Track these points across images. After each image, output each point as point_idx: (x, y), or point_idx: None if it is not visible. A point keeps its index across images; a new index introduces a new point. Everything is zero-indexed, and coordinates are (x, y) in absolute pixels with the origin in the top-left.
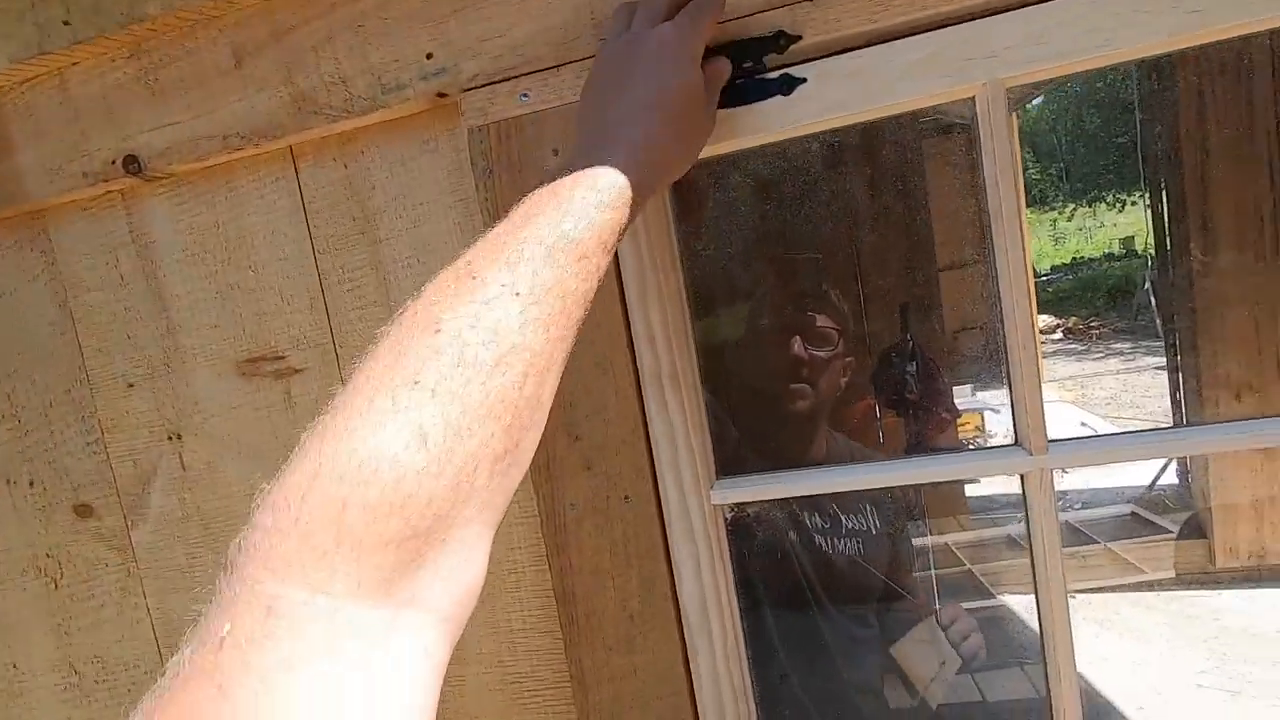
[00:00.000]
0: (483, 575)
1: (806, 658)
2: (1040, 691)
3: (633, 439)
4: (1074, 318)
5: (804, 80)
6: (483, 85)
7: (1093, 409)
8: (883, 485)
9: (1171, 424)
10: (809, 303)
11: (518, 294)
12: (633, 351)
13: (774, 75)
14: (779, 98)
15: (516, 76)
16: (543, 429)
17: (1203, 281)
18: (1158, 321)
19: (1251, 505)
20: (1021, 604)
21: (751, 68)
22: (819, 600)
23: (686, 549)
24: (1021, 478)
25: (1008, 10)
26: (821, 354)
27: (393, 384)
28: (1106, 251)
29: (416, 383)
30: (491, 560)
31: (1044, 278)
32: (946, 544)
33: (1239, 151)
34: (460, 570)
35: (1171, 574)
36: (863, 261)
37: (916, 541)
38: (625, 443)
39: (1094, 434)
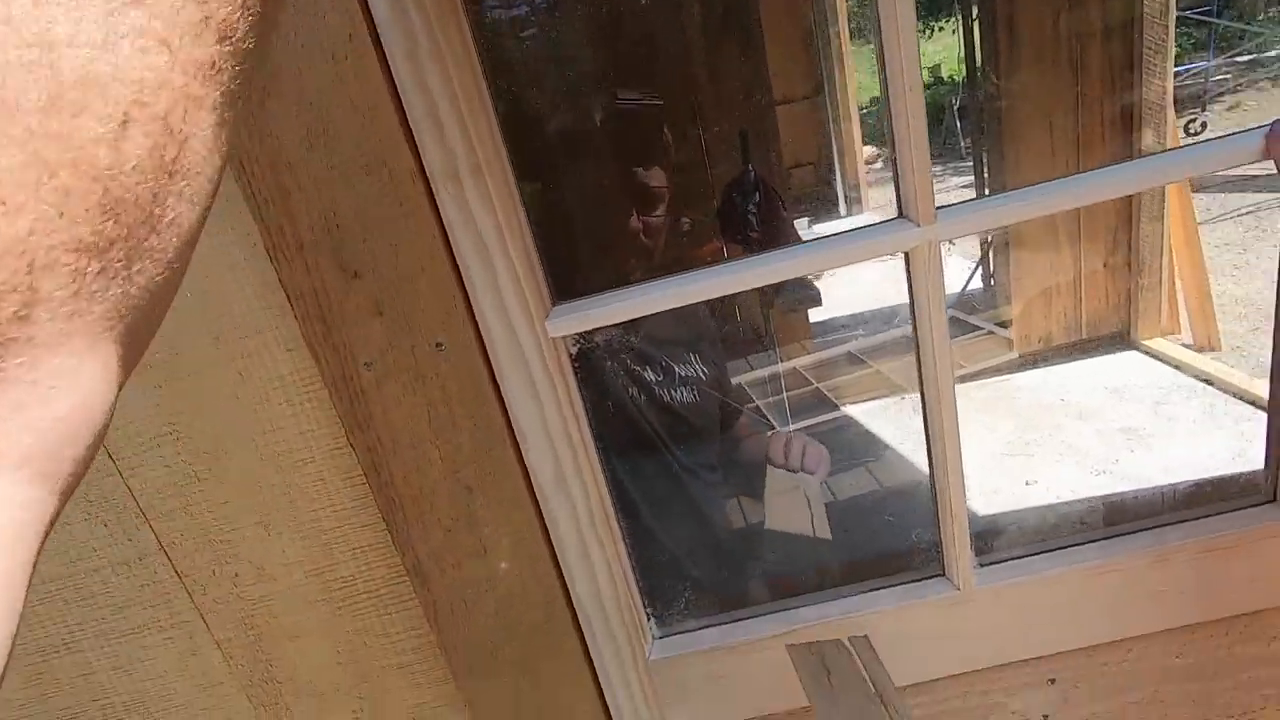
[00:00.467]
0: (97, 401)
1: (668, 511)
2: (882, 484)
3: (433, 264)
4: (890, 147)
5: None
6: None
7: None
8: (771, 280)
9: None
10: (641, 155)
11: None
12: (414, 144)
13: None
14: None
15: None
16: (200, 201)
17: (1005, 100)
18: (963, 143)
19: (1042, 297)
20: (860, 411)
21: None
22: (670, 451)
23: (525, 398)
24: (906, 256)
25: None
26: (655, 219)
27: None
28: None
29: None
30: (282, 450)
31: (865, 110)
32: (795, 368)
33: None
34: (40, 404)
35: (983, 365)
36: (700, 97)
37: (768, 370)
38: (424, 271)
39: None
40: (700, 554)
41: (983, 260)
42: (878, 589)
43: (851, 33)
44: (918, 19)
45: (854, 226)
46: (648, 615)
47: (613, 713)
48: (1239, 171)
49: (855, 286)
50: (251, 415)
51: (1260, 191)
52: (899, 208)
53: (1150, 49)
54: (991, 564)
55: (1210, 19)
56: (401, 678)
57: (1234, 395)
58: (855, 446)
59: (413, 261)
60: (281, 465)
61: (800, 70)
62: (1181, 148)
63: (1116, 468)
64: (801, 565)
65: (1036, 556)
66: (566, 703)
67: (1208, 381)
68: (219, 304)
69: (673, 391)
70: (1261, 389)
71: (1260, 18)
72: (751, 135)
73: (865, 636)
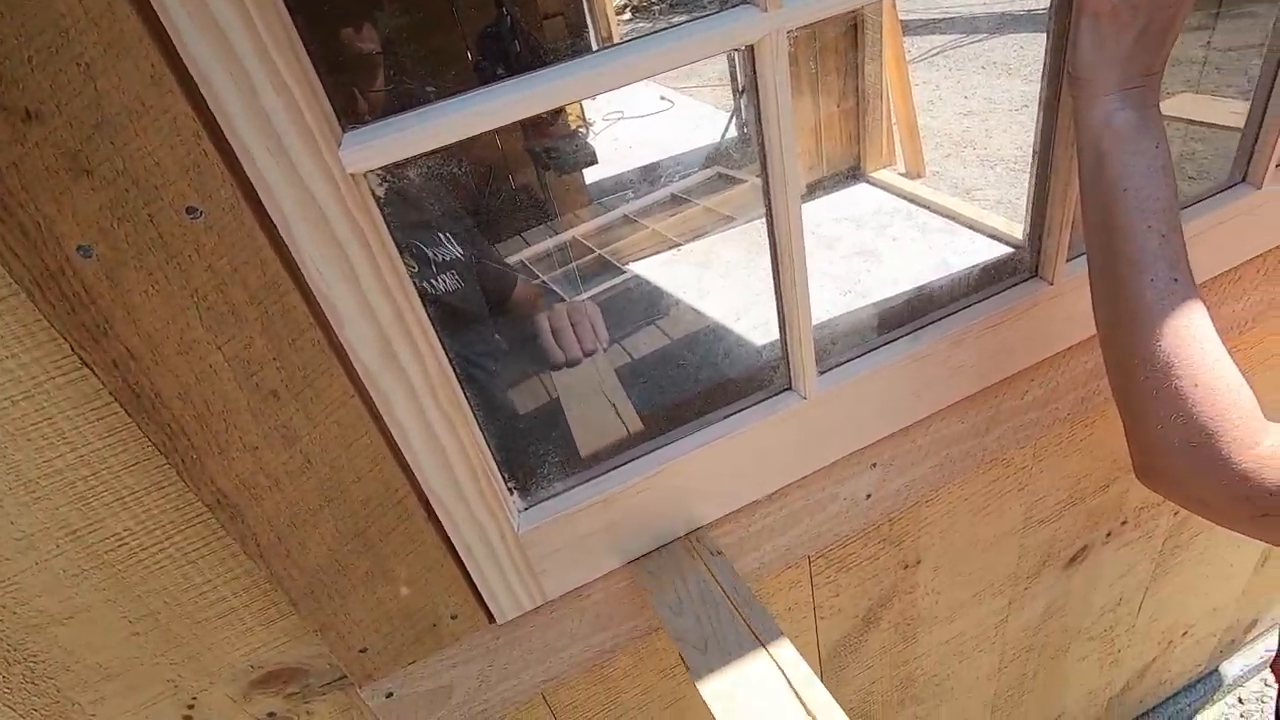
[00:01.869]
0: None
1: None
2: (673, 337)
3: (158, 91)
4: None
5: None
6: None
7: (668, 82)
8: (601, 89)
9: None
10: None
11: None
12: None
13: None
14: None
15: None
16: None
17: None
18: None
19: (810, 132)
20: (644, 267)
21: None
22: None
23: (329, 261)
24: (751, 50)
25: None
26: (375, 93)
27: None
28: None
29: None
30: None
31: None
32: (575, 237)
33: None
34: None
35: (752, 212)
36: None
37: (551, 241)
38: (145, 102)
39: (671, 104)
40: (538, 430)
41: (736, 110)
42: (735, 412)
43: None
44: None
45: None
46: (509, 489)
47: (485, 596)
48: (930, 15)
49: (622, 145)
50: None
51: (945, 34)
52: None
53: None
54: (828, 370)
55: None
56: (226, 627)
57: (939, 214)
58: (648, 302)
59: (125, 90)
60: None
61: None
62: None
63: (858, 287)
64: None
65: (863, 357)
66: (434, 598)
67: (921, 205)
68: None
69: (435, 282)
70: (957, 205)
71: None
72: None
73: (700, 530)
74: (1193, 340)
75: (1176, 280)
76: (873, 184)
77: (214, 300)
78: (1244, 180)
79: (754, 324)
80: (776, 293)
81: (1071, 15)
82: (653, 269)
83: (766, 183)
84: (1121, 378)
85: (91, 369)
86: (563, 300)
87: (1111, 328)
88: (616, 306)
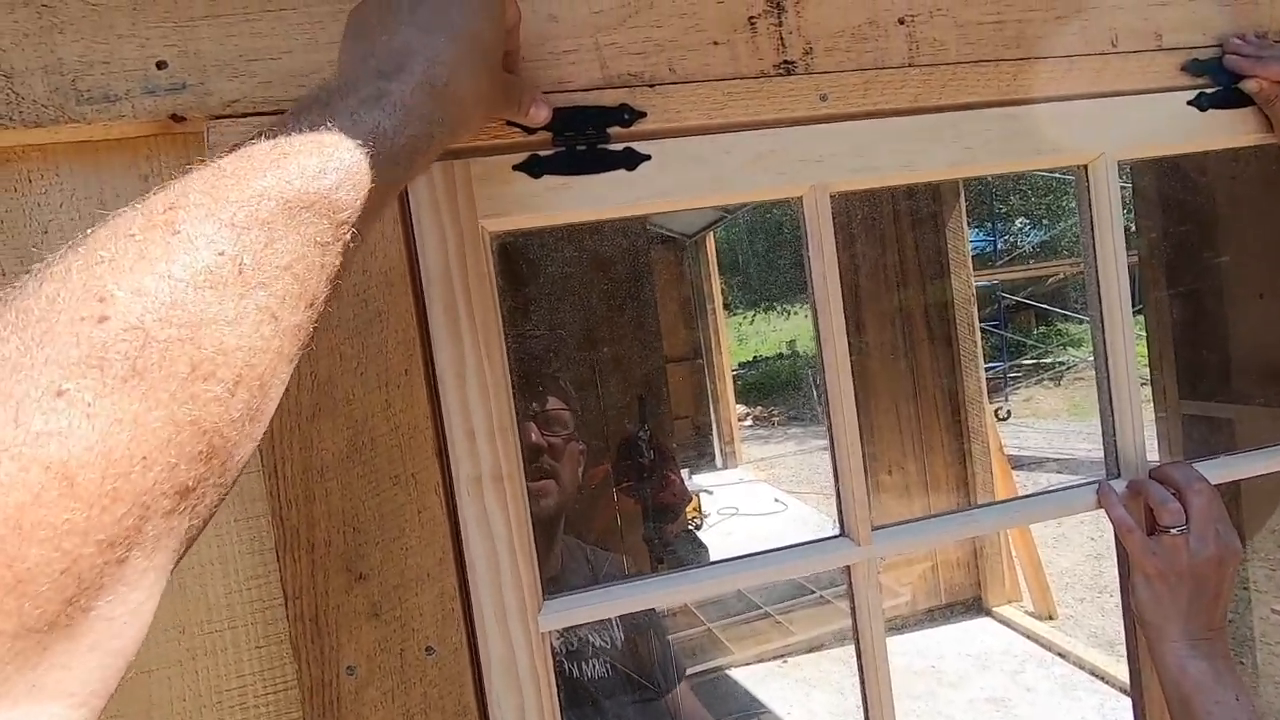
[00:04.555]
0: (146, 628)
1: None
2: None
3: (439, 571)
4: (759, 407)
5: (648, 157)
6: (245, 115)
7: (781, 485)
8: (715, 592)
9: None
10: (542, 388)
11: (241, 268)
12: (443, 456)
13: (618, 148)
14: (622, 171)
15: None
16: (259, 439)
17: (855, 378)
18: (820, 410)
19: (905, 561)
20: (744, 676)
21: (594, 135)
22: None
23: (510, 697)
24: (848, 569)
25: (832, 121)
26: (558, 438)
27: (21, 392)
28: (778, 351)
29: (61, 393)
30: None
31: (734, 372)
32: (685, 605)
33: (876, 275)
34: (112, 639)
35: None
36: (600, 355)
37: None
38: (430, 576)
39: (785, 506)
40: None
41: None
42: None
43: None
44: (773, 302)
45: (730, 481)
46: None
47: None
48: (1044, 454)
49: (731, 538)
50: (198, 718)
51: (1061, 473)
52: (840, 527)
53: (965, 353)
54: None
55: (999, 330)
56: None
57: (1076, 665)
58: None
59: (422, 566)
60: None
61: (684, 336)
62: (1025, 497)
63: None
64: None
65: None
66: None
67: (1056, 652)
68: (195, 596)
69: (583, 665)
70: (1096, 658)
71: (1035, 333)
72: (648, 394)
73: None
74: None
75: None
76: (998, 620)
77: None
78: None
79: None
80: None
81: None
82: (755, 681)
83: (861, 675)
84: None
85: None
86: None
87: None
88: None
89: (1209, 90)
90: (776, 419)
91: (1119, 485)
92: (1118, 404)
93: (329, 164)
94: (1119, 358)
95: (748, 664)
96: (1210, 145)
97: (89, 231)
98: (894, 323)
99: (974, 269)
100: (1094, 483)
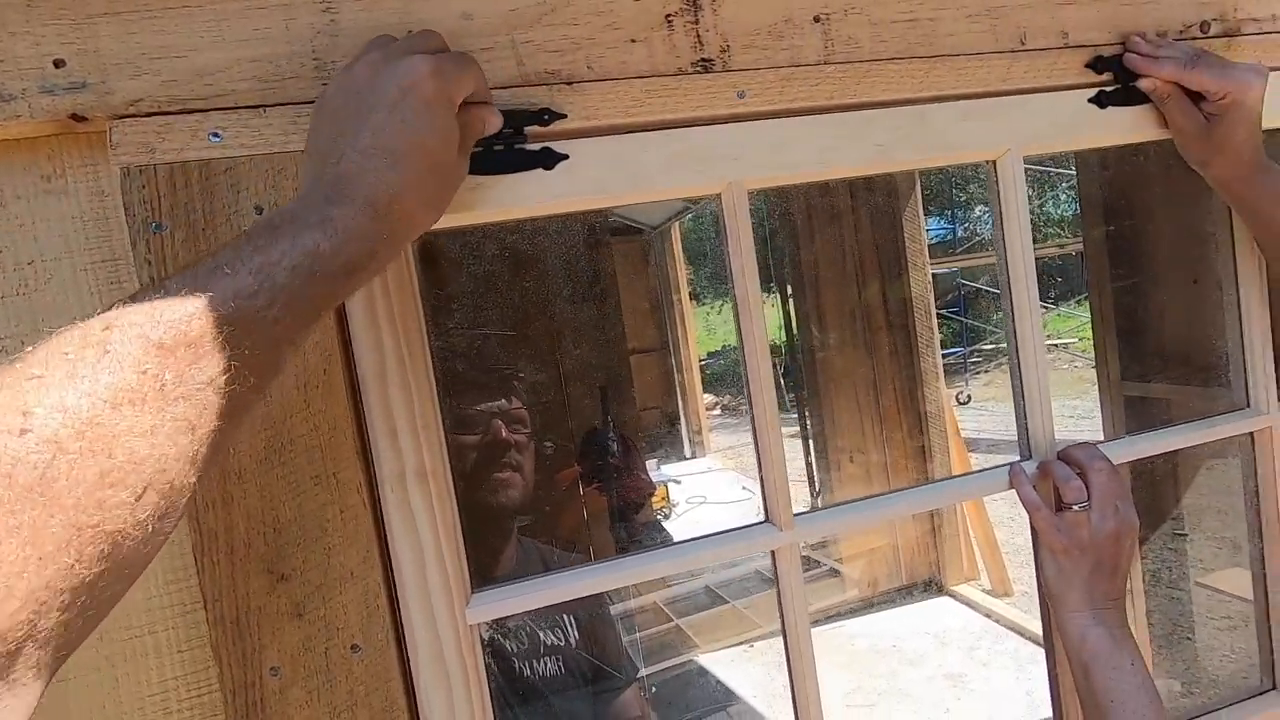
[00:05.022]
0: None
1: None
2: None
3: (364, 569)
4: (727, 395)
5: (566, 156)
6: (149, 114)
7: (748, 473)
8: (651, 576)
9: (806, 481)
10: (505, 386)
11: (163, 386)
12: (366, 455)
13: (535, 148)
14: (539, 171)
15: (205, 110)
16: (172, 531)
17: (818, 367)
18: (788, 399)
19: (867, 542)
20: (711, 662)
21: (511, 136)
22: None
23: (438, 691)
24: (773, 553)
25: (749, 120)
26: (522, 436)
27: None
28: None
29: None
30: None
31: (703, 362)
32: (655, 602)
33: (836, 268)
34: None
35: (825, 603)
36: (562, 345)
37: (623, 605)
38: (354, 574)
39: (751, 494)
40: None
41: (814, 498)
42: None
43: (691, 295)
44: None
45: (699, 470)
46: None
47: None
48: (1002, 436)
49: (700, 527)
50: None
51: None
52: (765, 513)
53: (922, 340)
54: None
55: (958, 316)
56: None
57: (1030, 639)
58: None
59: (345, 565)
60: None
61: (649, 326)
62: (942, 480)
63: (947, 716)
64: None
65: None
66: None
67: (1011, 628)
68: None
69: (535, 663)
70: None
71: (994, 319)
72: (609, 387)
73: None
74: None
75: None
76: (956, 598)
77: (343, 717)
78: (1274, 688)
79: None
80: None
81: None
82: (722, 665)
83: (787, 656)
84: None
85: None
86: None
87: None
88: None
89: (1108, 89)
90: (744, 408)
91: (1030, 466)
92: (1027, 389)
93: (263, 285)
94: (1027, 344)
95: (715, 650)
96: (1110, 141)
97: (30, 348)
98: (853, 312)
99: (935, 256)
100: (1008, 466)
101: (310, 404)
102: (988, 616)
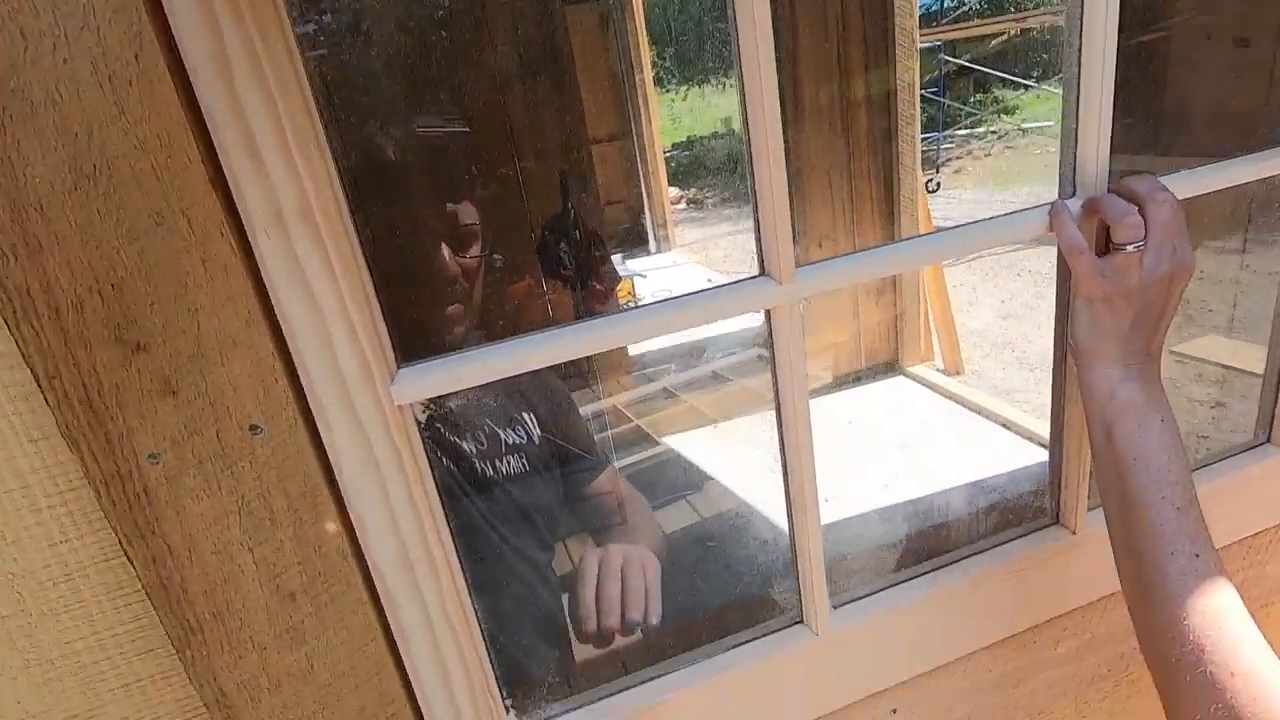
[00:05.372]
0: None
1: (514, 592)
2: (702, 515)
3: (250, 335)
4: (692, 189)
5: None
6: None
7: (714, 266)
8: (630, 340)
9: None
10: (447, 195)
11: None
12: (224, 185)
13: None
14: None
15: None
16: None
17: (788, 151)
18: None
19: (832, 330)
20: (679, 442)
21: None
22: (498, 535)
23: (366, 480)
24: (768, 313)
25: None
26: (471, 259)
27: None
28: (712, 130)
29: None
30: (22, 570)
31: (668, 154)
32: (615, 405)
33: (813, 42)
34: None
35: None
36: (516, 134)
37: (590, 407)
38: (237, 342)
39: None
40: (552, 636)
41: None
42: (739, 644)
43: (655, 80)
44: (708, 76)
45: (664, 264)
46: (506, 708)
47: None
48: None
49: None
50: None
51: None
52: (760, 266)
53: (903, 119)
54: (843, 604)
55: (938, 98)
56: None
57: (975, 411)
58: (676, 480)
59: (222, 331)
60: (20, 589)
61: (610, 113)
62: (979, 221)
63: (894, 480)
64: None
65: (880, 594)
66: None
67: (960, 403)
68: None
69: (498, 463)
70: (996, 405)
71: (972, 100)
72: (570, 173)
73: None
74: (1223, 622)
75: (1198, 556)
76: (911, 378)
77: (255, 507)
78: (1268, 440)
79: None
80: (790, 531)
81: (1070, 290)
82: (689, 444)
83: (781, 438)
84: (1154, 654)
85: (132, 562)
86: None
87: (1140, 602)
88: (648, 479)
89: None
90: (711, 201)
91: (1075, 205)
92: (1084, 102)
93: None
94: (1095, 38)
95: (683, 431)
96: None
97: None
98: (831, 86)
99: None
100: (1048, 205)
101: (125, 109)
102: (937, 393)
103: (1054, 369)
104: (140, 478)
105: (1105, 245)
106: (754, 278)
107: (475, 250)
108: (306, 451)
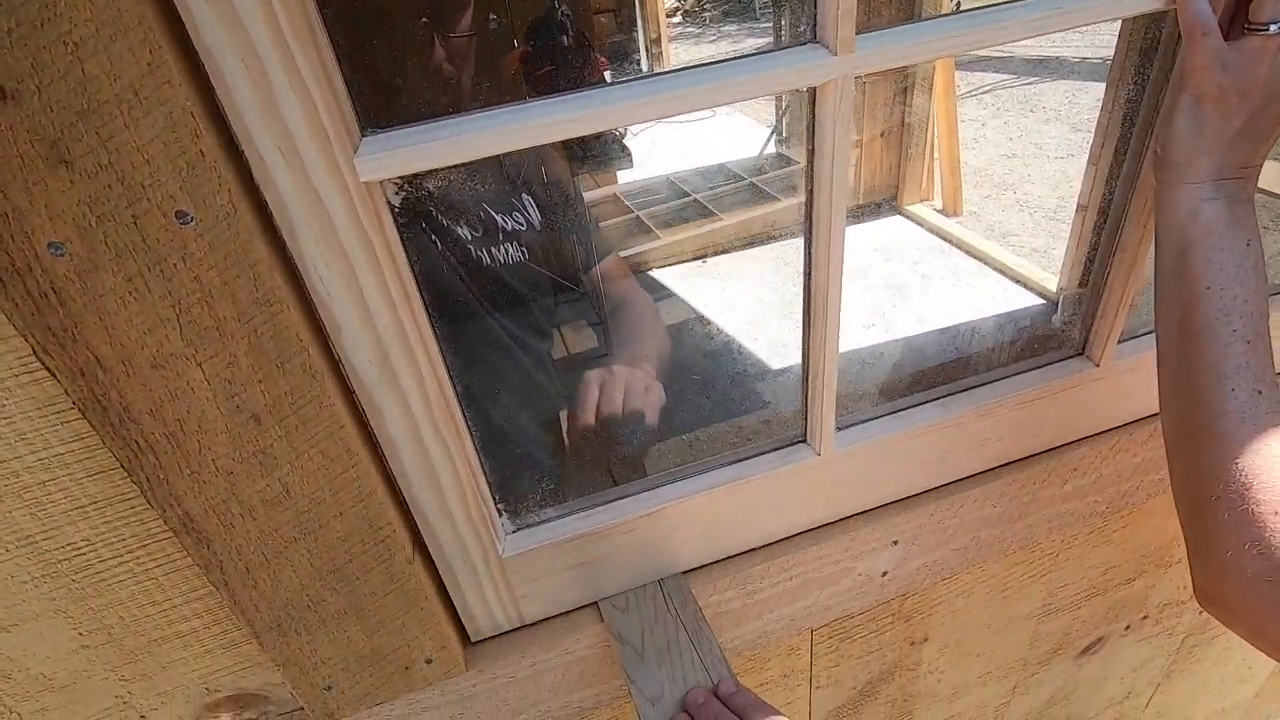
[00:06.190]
0: None
1: (508, 391)
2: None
3: (156, 85)
4: (689, 1)
5: None
6: None
7: None
8: (659, 115)
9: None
10: None
11: None
12: None
13: None
14: None
15: None
16: None
17: None
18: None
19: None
20: (668, 276)
21: None
22: (496, 322)
23: (334, 273)
24: (813, 91)
25: None
26: (461, 37)
27: None
28: None
29: None
30: None
31: None
32: (614, 194)
33: None
34: None
35: (783, 231)
36: None
37: (587, 194)
38: (142, 94)
39: (711, 113)
40: (550, 434)
41: (776, 128)
42: (741, 459)
43: None
44: None
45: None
46: (499, 511)
47: (461, 615)
48: (985, 52)
49: (654, 147)
50: None
51: (998, 72)
52: (813, 31)
53: None
54: (847, 427)
55: None
56: (184, 648)
57: (969, 254)
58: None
59: (119, 76)
60: None
61: None
62: None
63: (883, 320)
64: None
65: (886, 418)
66: (410, 641)
67: (955, 244)
68: None
69: (494, 250)
70: (990, 249)
71: None
72: None
73: (678, 576)
74: (1276, 464)
75: (1261, 393)
76: (908, 217)
77: (198, 314)
78: None
79: (771, 342)
80: (804, 346)
81: (1168, 90)
82: (676, 279)
83: (810, 232)
84: (1190, 491)
85: (54, 374)
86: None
87: (1184, 437)
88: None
89: None
90: (709, 14)
91: None
92: None
93: None
94: None
95: (668, 265)
96: None
97: None
98: None
99: None
100: None
101: None
102: (933, 233)
103: (1121, 184)
104: (44, 272)
105: (1234, 29)
106: (803, 45)
107: (465, 25)
108: (254, 247)
